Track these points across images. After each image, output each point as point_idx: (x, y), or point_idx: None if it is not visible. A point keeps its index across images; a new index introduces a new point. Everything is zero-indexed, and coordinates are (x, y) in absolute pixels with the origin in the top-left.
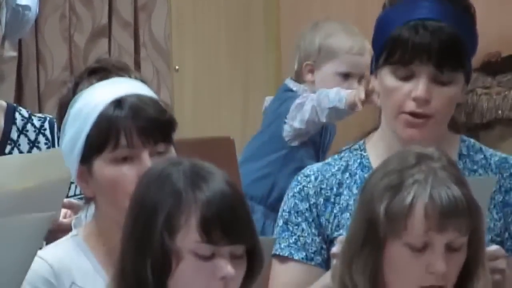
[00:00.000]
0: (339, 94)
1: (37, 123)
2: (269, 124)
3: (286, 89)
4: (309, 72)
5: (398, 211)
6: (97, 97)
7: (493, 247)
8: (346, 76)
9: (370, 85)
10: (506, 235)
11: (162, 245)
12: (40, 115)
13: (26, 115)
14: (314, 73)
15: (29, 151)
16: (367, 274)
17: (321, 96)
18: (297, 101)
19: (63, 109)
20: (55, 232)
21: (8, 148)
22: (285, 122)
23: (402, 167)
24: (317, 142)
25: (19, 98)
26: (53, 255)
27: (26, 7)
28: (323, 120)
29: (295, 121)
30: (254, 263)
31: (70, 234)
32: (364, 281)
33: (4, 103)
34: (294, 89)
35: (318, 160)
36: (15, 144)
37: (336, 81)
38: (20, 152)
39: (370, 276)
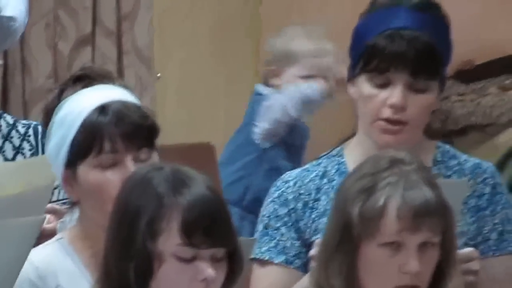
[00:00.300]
0: (311, 86)
1: (21, 129)
2: (242, 127)
3: (256, 93)
4: (275, 76)
5: (371, 212)
6: (82, 103)
7: (467, 249)
8: (308, 78)
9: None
10: (480, 238)
11: (144, 248)
12: (24, 121)
13: (11, 122)
14: (280, 76)
15: (14, 157)
16: (343, 276)
17: (291, 90)
18: (265, 103)
19: (48, 115)
20: (39, 237)
21: None
22: (255, 125)
23: (375, 170)
24: (288, 142)
25: (4, 105)
26: (38, 257)
27: (11, 19)
28: (294, 114)
29: (265, 122)
30: (234, 265)
31: (56, 237)
32: (340, 283)
33: None
34: (264, 92)
35: (290, 161)
36: (0, 150)
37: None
38: (5, 158)
39: (346, 277)
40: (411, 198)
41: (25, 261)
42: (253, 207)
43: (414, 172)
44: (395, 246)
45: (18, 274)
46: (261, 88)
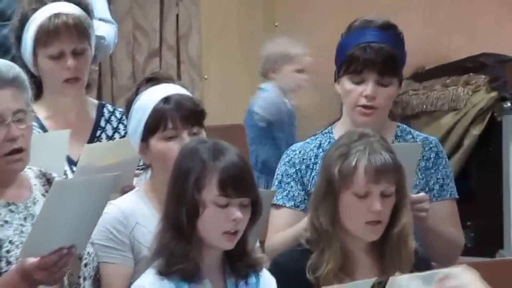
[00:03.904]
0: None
1: (118, 115)
2: (248, 114)
3: (259, 89)
4: (272, 72)
5: (346, 171)
6: (152, 96)
7: (420, 194)
8: (300, 71)
9: None
10: (427, 189)
11: (192, 197)
12: (120, 109)
13: (111, 109)
14: (276, 72)
15: (112, 135)
16: (328, 216)
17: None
18: (259, 98)
19: (129, 105)
20: (123, 191)
21: (98, 132)
22: (253, 111)
23: (349, 141)
24: (277, 121)
25: (99, 98)
26: (123, 203)
27: (101, 37)
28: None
29: (258, 109)
30: (256, 210)
31: (134, 189)
32: (326, 220)
33: (96, 101)
34: (262, 86)
35: (282, 132)
36: (103, 130)
37: (295, 76)
38: (107, 136)
39: (330, 217)
40: (374, 160)
41: (104, 206)
42: (263, 169)
43: (376, 142)
44: (364, 194)
45: (100, 217)
46: (263, 85)
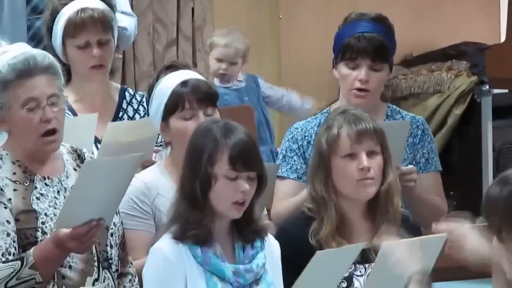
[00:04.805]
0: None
1: (138, 98)
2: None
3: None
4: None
5: (331, 139)
6: (171, 81)
7: (409, 166)
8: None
9: None
10: (414, 162)
11: (206, 171)
12: (140, 92)
13: (132, 93)
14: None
15: (133, 116)
16: (322, 183)
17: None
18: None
19: (150, 90)
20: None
21: (120, 113)
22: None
23: (333, 116)
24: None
25: (123, 83)
26: (145, 176)
27: (124, 28)
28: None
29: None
30: (262, 182)
31: (156, 164)
32: (320, 188)
33: (118, 85)
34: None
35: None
36: (125, 111)
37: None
38: (128, 116)
39: (324, 184)
40: (354, 124)
41: (129, 183)
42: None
43: (357, 113)
44: (351, 156)
45: (125, 192)
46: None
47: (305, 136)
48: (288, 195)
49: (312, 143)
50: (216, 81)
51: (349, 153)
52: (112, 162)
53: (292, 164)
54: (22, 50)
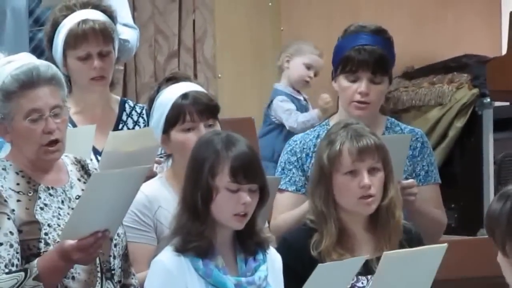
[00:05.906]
0: (313, 115)
1: (138, 110)
2: (265, 116)
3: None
4: (286, 62)
5: (333, 155)
6: (172, 93)
7: (409, 180)
8: (308, 67)
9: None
10: (414, 175)
11: (207, 183)
12: (140, 104)
13: (132, 105)
14: (288, 63)
15: (133, 127)
16: (322, 199)
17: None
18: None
19: (151, 101)
20: (150, 177)
21: (120, 125)
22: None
23: (335, 131)
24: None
25: (124, 95)
26: (147, 189)
27: (126, 40)
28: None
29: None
30: (264, 195)
31: (157, 176)
32: (320, 203)
33: (118, 97)
34: (275, 87)
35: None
36: (125, 123)
37: (303, 69)
38: (128, 128)
39: (325, 199)
40: (356, 141)
41: (136, 194)
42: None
43: (359, 128)
44: (353, 172)
45: (131, 203)
46: (276, 85)
47: (303, 148)
48: (287, 207)
49: (310, 155)
50: (289, 89)
51: (351, 170)
52: (120, 174)
53: (291, 177)
54: (26, 60)
